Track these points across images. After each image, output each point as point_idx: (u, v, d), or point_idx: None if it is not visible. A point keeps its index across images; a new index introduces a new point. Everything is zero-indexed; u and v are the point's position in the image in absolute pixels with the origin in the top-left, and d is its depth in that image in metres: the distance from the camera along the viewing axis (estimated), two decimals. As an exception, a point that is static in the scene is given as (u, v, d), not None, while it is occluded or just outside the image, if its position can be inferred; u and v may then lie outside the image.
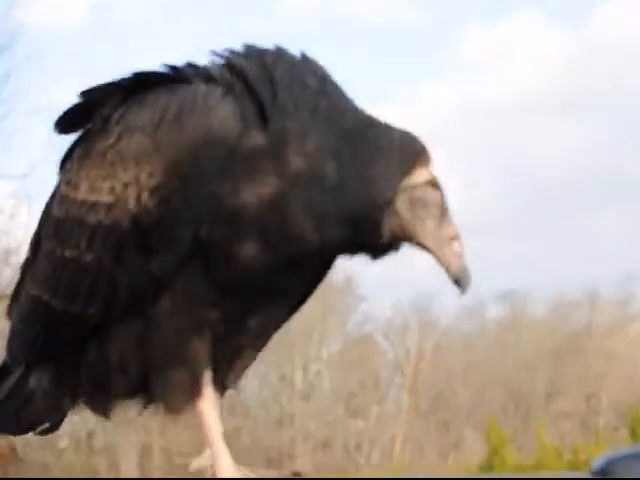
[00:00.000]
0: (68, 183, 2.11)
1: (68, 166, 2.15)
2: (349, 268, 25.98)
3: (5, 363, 2.33)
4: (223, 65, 2.04)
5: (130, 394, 2.12)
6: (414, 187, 1.93)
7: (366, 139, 1.94)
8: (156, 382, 2.04)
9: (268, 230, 1.93)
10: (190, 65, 2.07)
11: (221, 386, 2.14)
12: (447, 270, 1.94)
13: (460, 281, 1.94)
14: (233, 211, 1.93)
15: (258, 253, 1.95)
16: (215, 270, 1.97)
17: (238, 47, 2.07)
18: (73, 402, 2.23)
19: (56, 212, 2.13)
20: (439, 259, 1.95)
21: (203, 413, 2.05)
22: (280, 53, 2.05)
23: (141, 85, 2.06)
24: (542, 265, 39.25)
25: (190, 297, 2.00)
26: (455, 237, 1.96)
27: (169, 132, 1.96)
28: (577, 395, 30.28)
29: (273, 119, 1.94)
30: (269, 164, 1.92)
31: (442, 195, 1.97)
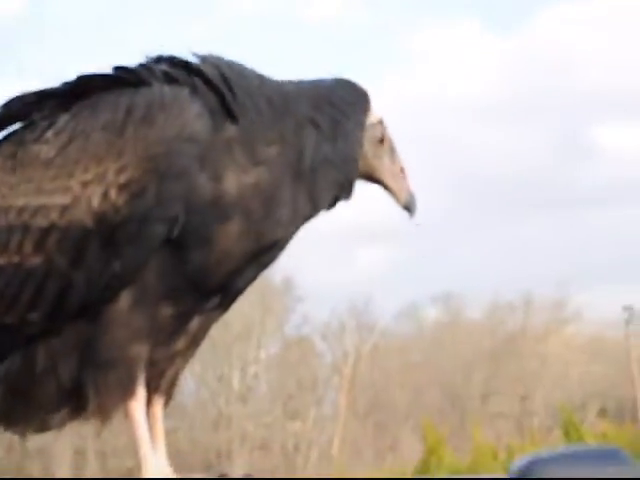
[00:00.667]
0: None
1: None
2: (287, 270, 26.05)
3: None
4: (177, 66, 2.06)
5: (55, 403, 2.06)
6: (371, 127, 2.12)
7: (322, 98, 2.07)
8: (92, 383, 2.01)
9: (251, 215, 1.98)
10: (143, 67, 2.07)
11: (157, 393, 2.13)
12: (398, 198, 2.15)
13: (409, 207, 2.16)
14: (214, 200, 1.95)
15: (239, 237, 1.98)
16: (189, 259, 1.98)
17: (178, 52, 2.10)
18: None
19: None
20: (392, 190, 2.15)
21: (132, 415, 2.03)
22: (216, 56, 2.11)
23: (80, 91, 2.05)
24: (477, 268, 39.78)
25: (150, 292, 1.98)
26: (402, 170, 2.16)
27: (139, 129, 1.95)
28: (512, 396, 30.65)
29: (238, 113, 1.99)
30: (246, 153, 1.98)
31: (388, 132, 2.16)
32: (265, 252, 2.05)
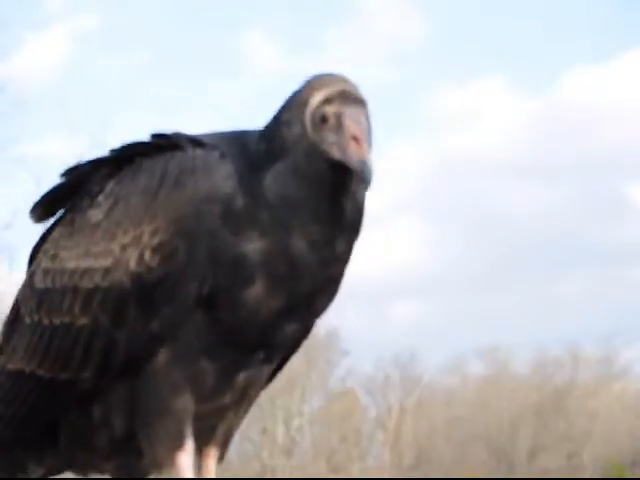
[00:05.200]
0: (52, 258, 2.18)
1: (47, 246, 2.23)
2: (332, 323, 26.02)
3: None
4: (202, 137, 2.13)
5: (110, 453, 2.15)
6: (311, 115, 1.98)
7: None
8: (144, 437, 2.07)
9: (275, 276, 1.99)
10: (177, 133, 2.15)
11: (210, 446, 2.16)
12: (349, 164, 1.94)
13: (363, 174, 1.93)
14: (238, 262, 1.99)
15: (265, 299, 2.00)
16: (221, 316, 2.02)
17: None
18: (41, 468, 2.29)
19: (39, 285, 2.19)
20: (344, 163, 1.95)
21: (180, 466, 2.07)
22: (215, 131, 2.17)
23: (128, 157, 2.15)
24: (521, 322, 39.52)
25: (188, 349, 2.04)
26: (355, 137, 1.95)
27: (171, 193, 2.02)
28: (560, 452, 30.17)
29: (264, 177, 2.01)
30: (271, 217, 1.99)
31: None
32: (302, 307, 2.06)
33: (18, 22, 37.05)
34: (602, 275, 42.05)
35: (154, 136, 2.16)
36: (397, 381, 30.75)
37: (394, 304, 47.79)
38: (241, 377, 2.10)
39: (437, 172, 42.07)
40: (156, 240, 2.01)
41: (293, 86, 2.06)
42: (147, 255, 2.02)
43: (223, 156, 2.03)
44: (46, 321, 2.14)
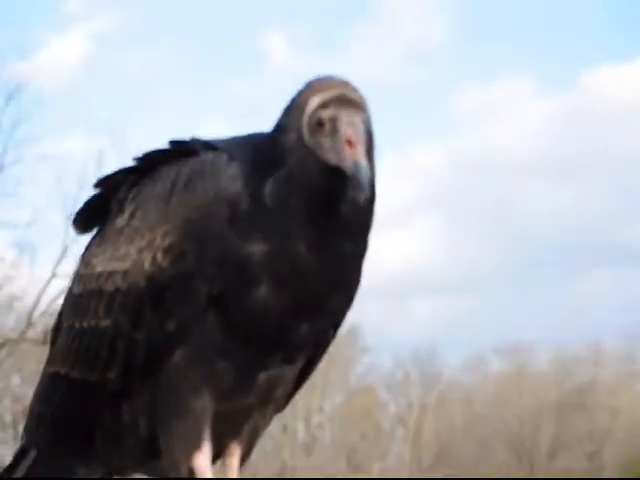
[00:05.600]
0: (86, 265, 2.26)
1: (85, 254, 2.31)
2: (352, 319, 26.03)
3: (22, 447, 2.41)
4: (217, 141, 2.17)
5: (139, 455, 2.21)
6: (308, 120, 1.99)
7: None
8: (163, 438, 2.11)
9: (279, 280, 2.01)
10: (193, 138, 2.20)
11: (233, 446, 2.19)
12: (345, 172, 1.94)
13: (356, 177, 1.93)
14: (243, 265, 2.01)
15: (271, 301, 2.02)
16: (231, 317, 2.04)
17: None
18: (89, 469, 2.35)
19: (75, 291, 2.28)
20: (338, 166, 1.96)
21: (198, 466, 2.09)
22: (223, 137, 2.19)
23: (152, 164, 2.21)
24: (541, 320, 39.46)
25: (204, 349, 2.06)
26: (349, 141, 1.96)
27: (181, 196, 2.07)
28: (581, 450, 30.06)
29: (265, 182, 2.02)
30: (269, 220, 2.00)
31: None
32: (311, 307, 2.06)
33: (38, 22, 37.35)
34: (624, 272, 41.96)
35: (171, 142, 2.21)
36: (417, 378, 30.73)
37: (414, 301, 47.78)
38: (262, 377, 2.11)
39: (459, 171, 41.93)
40: (167, 242, 2.06)
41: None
42: (159, 256, 2.06)
43: (231, 159, 2.06)
44: (77, 325, 2.21)
